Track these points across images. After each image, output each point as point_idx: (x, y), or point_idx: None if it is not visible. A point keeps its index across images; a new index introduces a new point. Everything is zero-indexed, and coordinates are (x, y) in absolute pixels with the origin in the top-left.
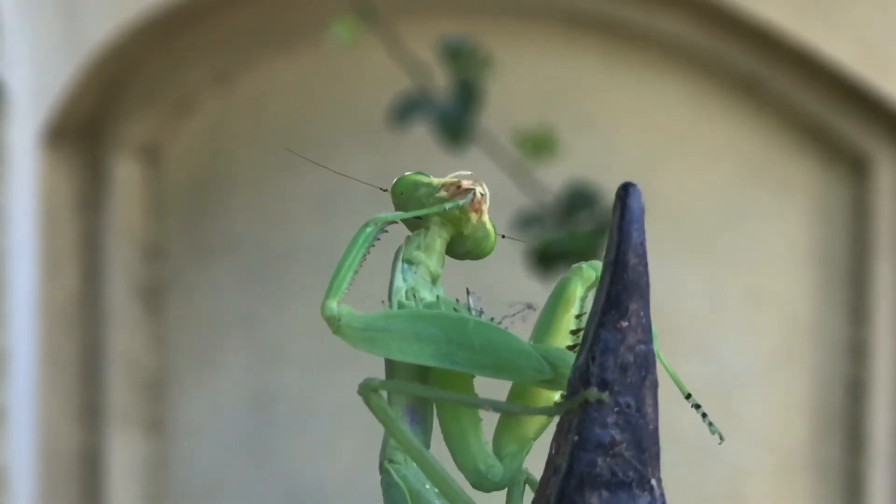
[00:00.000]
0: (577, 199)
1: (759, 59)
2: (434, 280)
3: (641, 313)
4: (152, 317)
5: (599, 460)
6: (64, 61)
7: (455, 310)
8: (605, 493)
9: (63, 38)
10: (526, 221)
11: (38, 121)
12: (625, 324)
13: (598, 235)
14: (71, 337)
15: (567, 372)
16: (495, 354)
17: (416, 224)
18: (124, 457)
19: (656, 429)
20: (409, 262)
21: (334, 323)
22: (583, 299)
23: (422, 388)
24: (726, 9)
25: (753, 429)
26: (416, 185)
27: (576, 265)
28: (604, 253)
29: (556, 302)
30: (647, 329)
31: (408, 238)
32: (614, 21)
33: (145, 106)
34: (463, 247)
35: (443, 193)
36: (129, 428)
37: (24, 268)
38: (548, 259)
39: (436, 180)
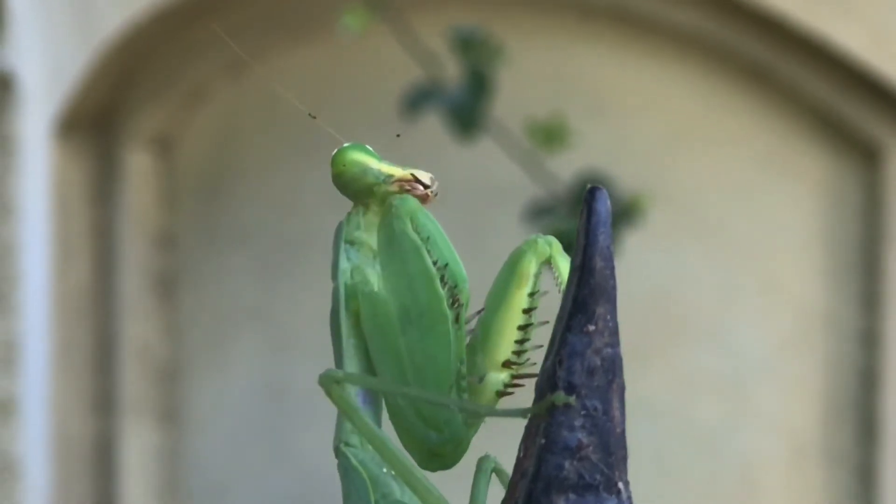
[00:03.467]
0: None
1: (770, 49)
2: (375, 256)
3: (608, 317)
4: (165, 306)
5: (567, 463)
6: (76, 52)
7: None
8: (572, 496)
9: (75, 29)
10: (538, 211)
11: (51, 112)
12: (592, 327)
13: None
14: (84, 327)
15: (447, 446)
16: (426, 373)
17: (352, 201)
18: (137, 446)
19: (623, 432)
20: (351, 242)
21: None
22: (537, 275)
23: (386, 383)
24: None
25: (765, 417)
26: (365, 169)
27: (530, 237)
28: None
29: (509, 277)
30: (614, 332)
31: (347, 217)
32: (626, 10)
33: (157, 96)
34: None
35: (394, 187)
36: (142, 417)
37: (37, 258)
38: None
39: (385, 167)
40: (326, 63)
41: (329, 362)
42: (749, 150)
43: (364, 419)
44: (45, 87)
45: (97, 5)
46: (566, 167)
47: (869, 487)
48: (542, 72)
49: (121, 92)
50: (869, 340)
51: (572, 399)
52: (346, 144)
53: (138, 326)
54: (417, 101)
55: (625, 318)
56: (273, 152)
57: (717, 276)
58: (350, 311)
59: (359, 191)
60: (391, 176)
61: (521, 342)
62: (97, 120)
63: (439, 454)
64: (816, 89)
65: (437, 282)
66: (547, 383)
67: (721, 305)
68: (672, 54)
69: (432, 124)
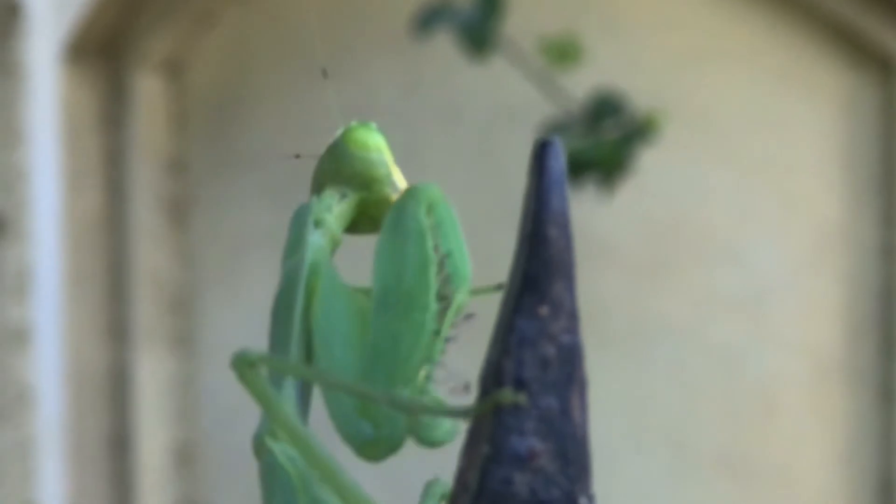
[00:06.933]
0: (604, 107)
1: None
2: (333, 250)
3: (565, 297)
4: (177, 232)
5: (516, 476)
6: None
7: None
8: None
9: None
10: (552, 130)
11: (59, 37)
12: (545, 310)
13: (625, 144)
14: (96, 254)
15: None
16: (383, 362)
17: (331, 182)
18: (151, 373)
19: (585, 436)
20: (317, 223)
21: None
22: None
23: (311, 372)
24: None
25: (785, 336)
26: (380, 162)
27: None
28: (627, 163)
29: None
30: (573, 316)
31: (320, 197)
32: None
33: (166, 19)
34: (356, 227)
35: (394, 197)
36: (156, 345)
37: (48, 185)
38: (574, 168)
39: (396, 172)
40: None
41: None
42: (765, 66)
43: (283, 409)
44: (53, 12)
45: None
46: (580, 85)
47: (890, 403)
48: None
49: (129, 16)
50: (888, 255)
51: (522, 397)
52: (367, 124)
53: (150, 253)
54: (429, 20)
55: (642, 238)
56: (283, 75)
57: (735, 193)
58: (307, 289)
59: (354, 177)
60: (397, 186)
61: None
62: (106, 45)
63: (368, 450)
64: (832, 2)
65: (431, 271)
66: (492, 378)
67: (739, 223)
68: None
69: (444, 43)
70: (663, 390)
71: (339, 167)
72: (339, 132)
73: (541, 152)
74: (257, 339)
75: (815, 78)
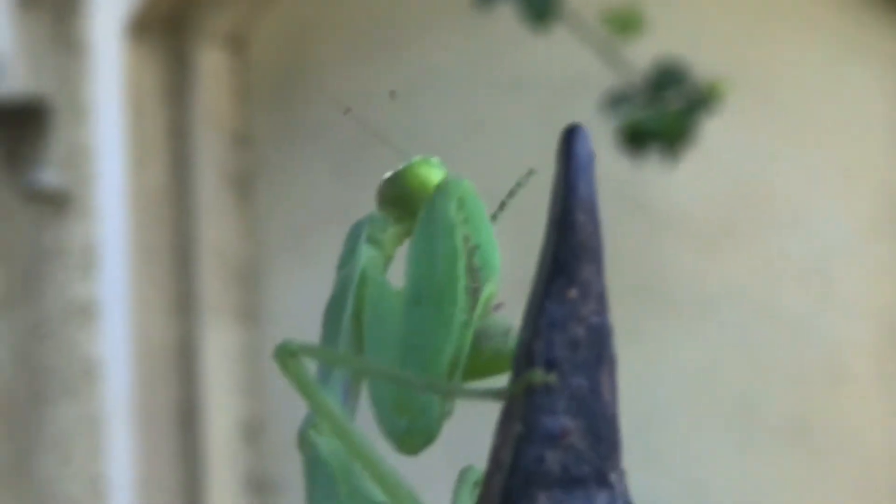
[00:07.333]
0: (666, 77)
1: None
2: (386, 265)
3: (594, 280)
4: (243, 206)
5: (548, 454)
6: None
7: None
8: (557, 492)
9: None
10: (614, 101)
11: (122, 13)
12: (574, 293)
13: (687, 114)
14: (161, 228)
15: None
16: (417, 357)
17: (389, 206)
18: (218, 347)
19: (615, 414)
20: (371, 241)
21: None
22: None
23: (350, 359)
24: None
25: (852, 301)
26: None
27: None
28: (690, 133)
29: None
30: (601, 298)
31: (372, 216)
32: None
33: None
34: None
35: None
36: (222, 318)
37: (113, 161)
38: (637, 139)
39: None
40: None
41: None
42: (827, 33)
43: (324, 398)
44: None
45: None
46: (642, 55)
47: None
48: None
49: None
50: None
51: (553, 377)
52: (428, 161)
53: (216, 226)
54: None
55: (706, 207)
56: (347, 46)
57: (799, 160)
58: (358, 297)
59: (410, 210)
60: None
61: None
62: (169, 19)
63: (404, 443)
64: None
65: (461, 264)
66: (523, 359)
67: (803, 190)
68: None
69: (506, 14)
70: (729, 358)
71: (397, 197)
72: (402, 164)
73: (568, 138)
74: (323, 309)
75: (878, 44)
